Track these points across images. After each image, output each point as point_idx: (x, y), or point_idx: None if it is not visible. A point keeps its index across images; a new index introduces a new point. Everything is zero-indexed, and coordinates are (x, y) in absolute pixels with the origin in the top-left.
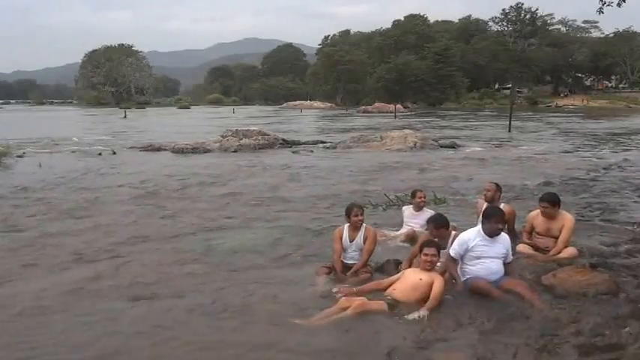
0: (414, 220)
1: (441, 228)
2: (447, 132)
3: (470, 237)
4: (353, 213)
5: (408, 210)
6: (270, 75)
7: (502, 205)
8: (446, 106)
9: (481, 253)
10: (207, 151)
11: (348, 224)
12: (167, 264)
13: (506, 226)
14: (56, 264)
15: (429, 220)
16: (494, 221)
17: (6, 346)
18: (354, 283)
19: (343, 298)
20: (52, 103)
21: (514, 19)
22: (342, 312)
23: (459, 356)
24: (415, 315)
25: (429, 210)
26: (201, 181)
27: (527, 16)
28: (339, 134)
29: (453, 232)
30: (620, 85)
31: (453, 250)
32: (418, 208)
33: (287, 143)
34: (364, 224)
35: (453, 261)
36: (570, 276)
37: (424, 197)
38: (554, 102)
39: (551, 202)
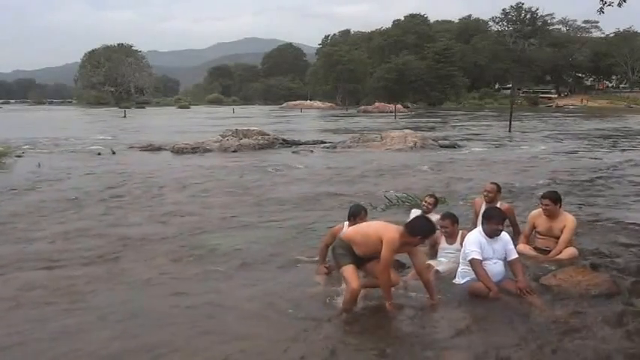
0: None
1: (447, 219)
2: (447, 132)
3: (477, 237)
4: (360, 216)
5: (417, 214)
6: (270, 75)
7: (499, 204)
8: (446, 106)
9: (483, 255)
10: (206, 150)
11: (348, 222)
12: (165, 264)
13: (506, 221)
14: (51, 263)
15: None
16: (495, 222)
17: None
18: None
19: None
20: (51, 103)
21: (514, 18)
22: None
23: (459, 356)
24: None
25: (436, 215)
26: (201, 181)
27: (528, 16)
28: (339, 134)
29: (461, 232)
30: (621, 85)
31: (474, 252)
32: (425, 212)
33: (287, 143)
34: None
35: (480, 262)
36: (571, 276)
37: (430, 203)
38: (554, 102)
39: (553, 199)
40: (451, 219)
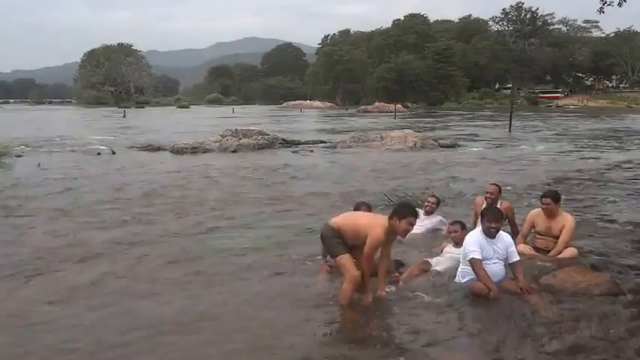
0: (422, 222)
1: (457, 224)
2: (447, 132)
3: (477, 236)
4: (361, 210)
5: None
6: (270, 74)
7: (499, 203)
8: (446, 105)
9: (483, 254)
10: (206, 150)
11: None
12: (165, 264)
13: (506, 220)
14: (47, 265)
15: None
16: (487, 220)
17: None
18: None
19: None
20: (51, 103)
21: (514, 18)
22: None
23: (458, 356)
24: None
25: (438, 215)
26: (201, 181)
27: (528, 16)
28: (339, 134)
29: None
30: (621, 85)
31: (474, 252)
32: (427, 212)
33: (287, 143)
34: None
35: (480, 262)
36: (571, 276)
37: (433, 203)
38: (554, 102)
39: (554, 198)
40: (461, 224)
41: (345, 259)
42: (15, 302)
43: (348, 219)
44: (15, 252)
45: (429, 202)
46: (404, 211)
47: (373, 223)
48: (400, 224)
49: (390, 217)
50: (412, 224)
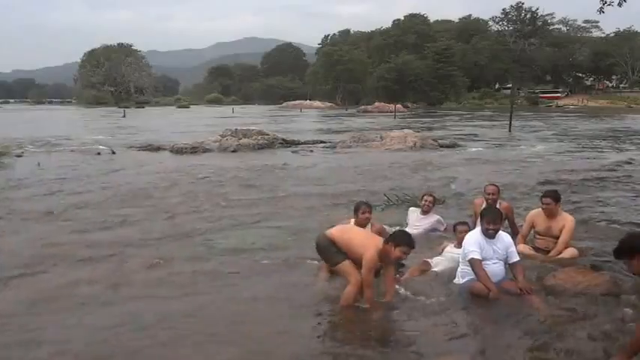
0: (419, 222)
1: (466, 225)
2: (447, 132)
3: (477, 237)
4: (360, 210)
5: (415, 213)
6: (270, 74)
7: (498, 203)
8: (446, 105)
9: (483, 254)
10: (206, 150)
11: (354, 220)
12: (164, 264)
13: (506, 221)
14: (48, 264)
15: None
16: (486, 221)
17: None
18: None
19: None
20: (51, 103)
21: (514, 18)
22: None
23: (458, 356)
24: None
25: (435, 214)
26: (200, 181)
27: (528, 16)
28: (338, 134)
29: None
30: (621, 85)
31: (474, 252)
32: (424, 211)
33: (287, 143)
34: (371, 222)
35: (479, 262)
36: (571, 277)
37: (430, 202)
38: (554, 102)
39: (554, 198)
40: (468, 224)
41: (346, 265)
42: None
43: (343, 233)
44: None
45: (426, 200)
46: (400, 240)
47: (367, 244)
48: (394, 251)
49: (386, 242)
50: (406, 253)
